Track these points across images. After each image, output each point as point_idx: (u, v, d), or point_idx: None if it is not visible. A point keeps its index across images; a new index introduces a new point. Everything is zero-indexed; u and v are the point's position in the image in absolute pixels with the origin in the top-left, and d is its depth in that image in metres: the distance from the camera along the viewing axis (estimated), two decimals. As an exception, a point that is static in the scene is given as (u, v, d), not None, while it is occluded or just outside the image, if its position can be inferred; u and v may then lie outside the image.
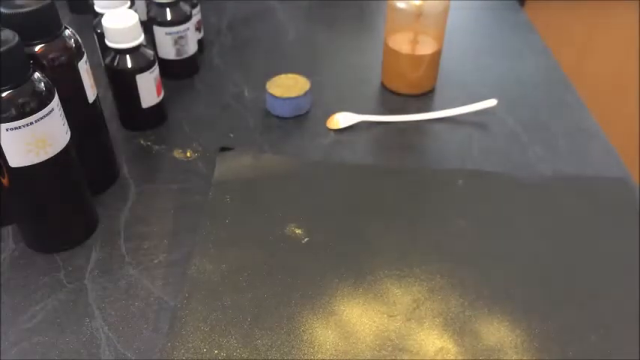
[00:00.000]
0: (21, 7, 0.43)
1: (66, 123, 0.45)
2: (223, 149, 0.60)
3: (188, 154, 0.60)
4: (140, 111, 0.62)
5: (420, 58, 0.67)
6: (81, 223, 0.51)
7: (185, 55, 0.70)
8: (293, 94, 0.64)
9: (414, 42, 0.68)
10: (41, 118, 0.42)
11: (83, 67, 0.48)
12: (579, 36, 1.27)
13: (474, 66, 0.76)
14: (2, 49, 0.39)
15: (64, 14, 0.85)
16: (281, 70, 0.69)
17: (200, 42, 0.76)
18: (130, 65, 0.58)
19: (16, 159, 0.43)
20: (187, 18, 0.68)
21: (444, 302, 0.46)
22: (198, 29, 0.74)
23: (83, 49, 0.49)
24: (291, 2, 0.91)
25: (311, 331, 0.44)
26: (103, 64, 0.61)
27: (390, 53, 0.68)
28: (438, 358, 0.42)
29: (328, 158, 0.60)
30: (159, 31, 0.67)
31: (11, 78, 0.40)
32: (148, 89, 0.60)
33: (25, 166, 0.43)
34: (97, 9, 0.63)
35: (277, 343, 0.43)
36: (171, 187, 0.56)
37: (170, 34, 0.67)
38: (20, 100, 0.40)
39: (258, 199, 0.55)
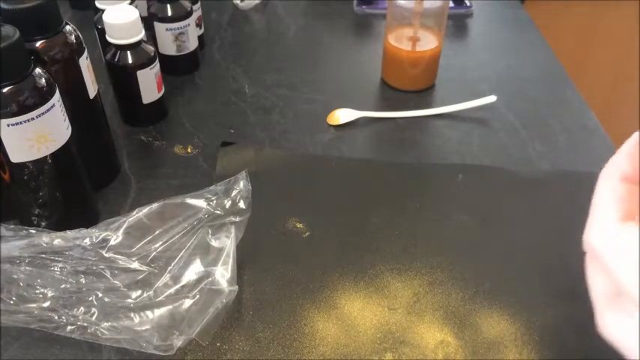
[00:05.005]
0: (22, 2, 0.43)
1: (67, 119, 0.45)
2: (225, 144, 0.61)
3: (189, 150, 0.61)
4: (141, 107, 0.62)
5: (421, 54, 0.67)
6: (82, 218, 0.51)
7: (186, 51, 0.70)
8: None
9: (415, 38, 0.68)
10: (42, 114, 0.42)
11: (84, 62, 0.49)
12: (579, 35, 1.27)
13: (474, 62, 0.76)
14: (3, 44, 0.39)
15: (65, 10, 0.85)
16: (281, 66, 0.69)
17: (201, 38, 0.76)
18: (130, 61, 0.58)
19: (17, 154, 0.43)
20: (188, 14, 0.68)
21: (445, 296, 0.46)
22: (198, 25, 0.74)
23: (84, 45, 0.49)
24: (292, -2, 0.91)
25: (312, 324, 0.44)
26: (103, 60, 0.61)
27: (391, 50, 0.68)
28: (439, 350, 0.42)
29: (329, 154, 0.60)
30: (159, 27, 0.68)
31: (12, 74, 0.40)
32: (149, 85, 0.60)
33: (26, 162, 0.43)
34: (98, 5, 0.64)
35: (279, 336, 0.43)
36: (172, 183, 0.56)
37: (171, 30, 0.68)
38: (21, 96, 0.40)
39: (260, 193, 0.55)
